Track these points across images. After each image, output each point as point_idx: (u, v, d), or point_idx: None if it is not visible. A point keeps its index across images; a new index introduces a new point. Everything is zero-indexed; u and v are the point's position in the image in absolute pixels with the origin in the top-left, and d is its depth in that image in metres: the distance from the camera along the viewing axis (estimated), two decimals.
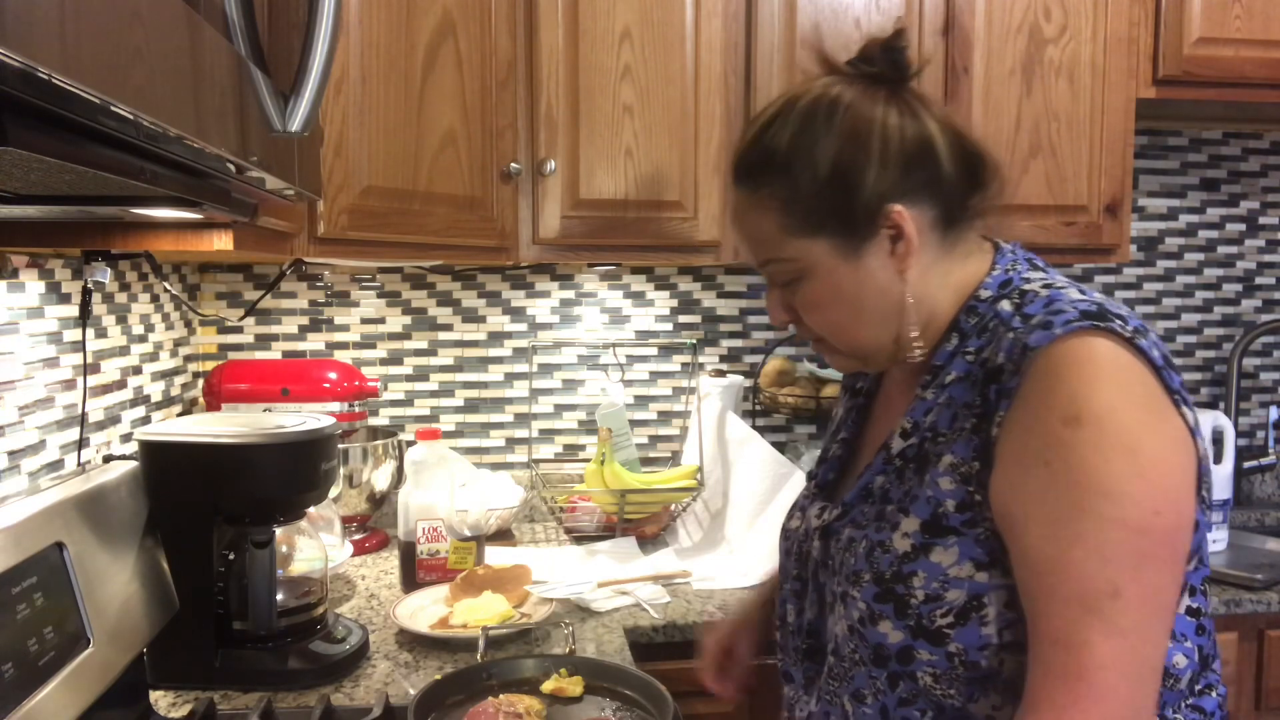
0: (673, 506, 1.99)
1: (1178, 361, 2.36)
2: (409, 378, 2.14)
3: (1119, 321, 0.79)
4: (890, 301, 0.90)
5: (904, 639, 0.84)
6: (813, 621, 0.97)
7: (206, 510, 1.24)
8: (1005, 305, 0.87)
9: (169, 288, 1.84)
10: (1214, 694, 0.86)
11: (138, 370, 1.71)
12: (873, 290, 0.90)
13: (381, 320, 2.12)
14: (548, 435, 2.19)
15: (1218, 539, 1.90)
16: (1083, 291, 0.85)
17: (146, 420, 1.74)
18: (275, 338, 2.09)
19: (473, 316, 2.16)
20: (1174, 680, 0.82)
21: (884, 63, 0.91)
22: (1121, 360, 0.78)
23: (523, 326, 2.17)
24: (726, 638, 1.21)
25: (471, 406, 2.17)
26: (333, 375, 1.86)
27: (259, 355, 2.08)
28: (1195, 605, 0.84)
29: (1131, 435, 0.75)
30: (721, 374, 2.16)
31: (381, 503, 1.97)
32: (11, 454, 1.29)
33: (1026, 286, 0.88)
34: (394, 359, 2.13)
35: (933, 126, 0.89)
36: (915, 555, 0.84)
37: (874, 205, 0.87)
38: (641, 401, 2.21)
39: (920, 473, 0.87)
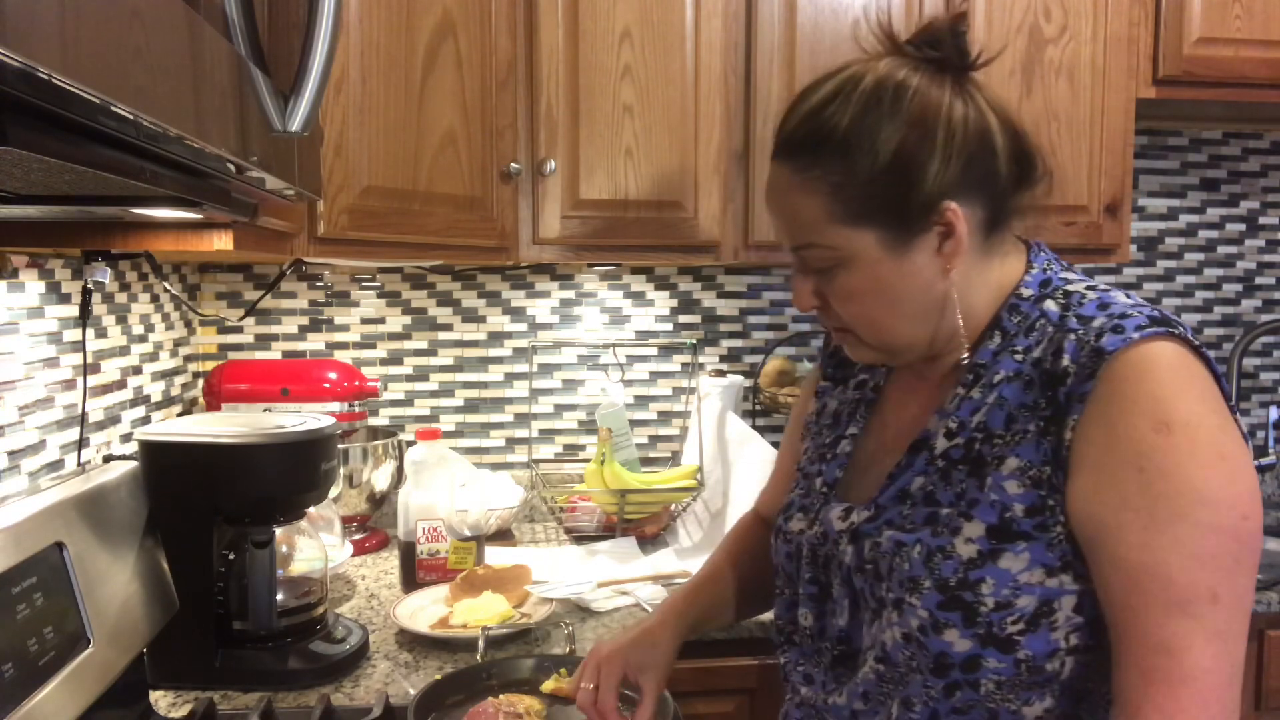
0: (673, 506, 1.99)
1: None
2: (409, 378, 2.14)
3: (1182, 328, 0.80)
4: (931, 299, 0.88)
5: (972, 648, 0.81)
6: (844, 628, 0.93)
7: (206, 510, 1.24)
8: (1051, 305, 0.86)
9: (169, 288, 1.84)
10: None
11: (138, 370, 1.71)
12: (915, 287, 0.87)
13: (381, 320, 2.12)
14: (548, 435, 2.19)
15: None
16: (1129, 295, 0.85)
17: (146, 420, 1.74)
18: (275, 338, 2.09)
19: (473, 316, 2.16)
20: None
21: (951, 47, 0.87)
22: (1196, 367, 0.79)
23: (523, 326, 2.17)
24: (627, 669, 1.05)
25: (471, 406, 2.17)
26: (333, 375, 1.86)
27: (259, 355, 2.08)
28: None
29: (1219, 442, 0.76)
30: (721, 374, 2.16)
31: (381, 503, 1.97)
32: (11, 454, 1.29)
33: (1069, 287, 0.87)
34: (394, 359, 2.13)
35: (993, 121, 0.87)
36: (983, 561, 0.81)
37: (932, 201, 0.85)
38: (641, 401, 2.21)
39: (977, 475, 0.84)
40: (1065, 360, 0.81)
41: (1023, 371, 0.84)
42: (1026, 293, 0.89)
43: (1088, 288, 0.87)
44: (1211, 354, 0.85)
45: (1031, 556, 0.80)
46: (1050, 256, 0.93)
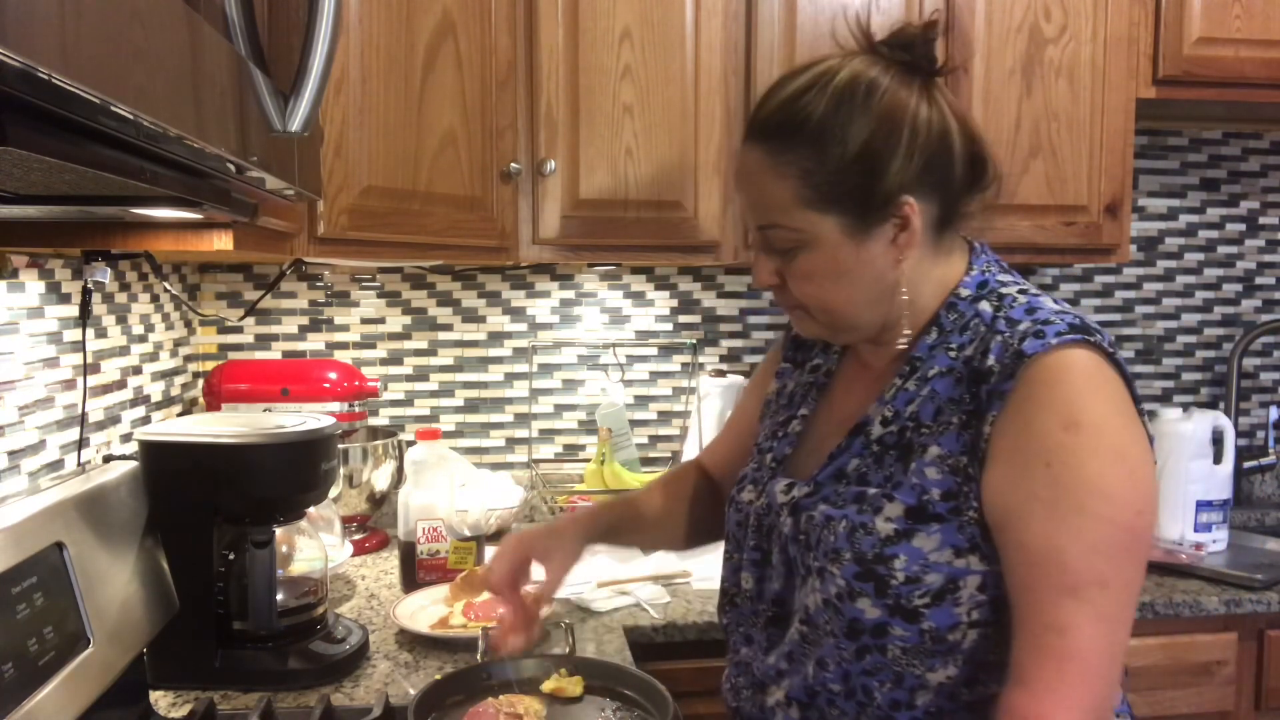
0: None
1: (1178, 361, 2.37)
2: (409, 378, 2.14)
3: (1099, 336, 0.87)
4: (883, 287, 0.95)
5: (881, 616, 0.89)
6: (779, 591, 1.01)
7: (206, 510, 1.24)
8: (985, 306, 0.93)
9: (169, 288, 1.84)
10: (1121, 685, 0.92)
11: (138, 370, 1.71)
12: (869, 274, 0.94)
13: (381, 320, 2.12)
14: (548, 435, 2.19)
15: (1218, 539, 1.90)
16: (1056, 301, 0.92)
17: (146, 420, 1.74)
18: (275, 338, 2.09)
19: (473, 316, 2.16)
20: None
21: (921, 53, 0.93)
22: (1107, 373, 0.86)
23: (523, 326, 2.17)
24: (533, 553, 1.14)
25: (471, 406, 2.17)
26: (333, 375, 1.86)
27: (259, 355, 2.08)
28: None
29: (1122, 442, 0.84)
30: (721, 374, 2.16)
31: (381, 503, 1.97)
32: (11, 454, 1.29)
33: (1004, 290, 0.94)
34: (394, 359, 2.13)
35: (954, 125, 0.93)
36: (898, 539, 0.88)
37: (892, 194, 0.91)
38: (641, 401, 2.21)
39: (903, 460, 0.91)
40: (990, 360, 0.87)
41: (954, 367, 0.91)
42: (965, 293, 0.95)
43: (1020, 291, 0.94)
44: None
45: (943, 538, 0.87)
46: (991, 259, 1.00)
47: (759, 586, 1.03)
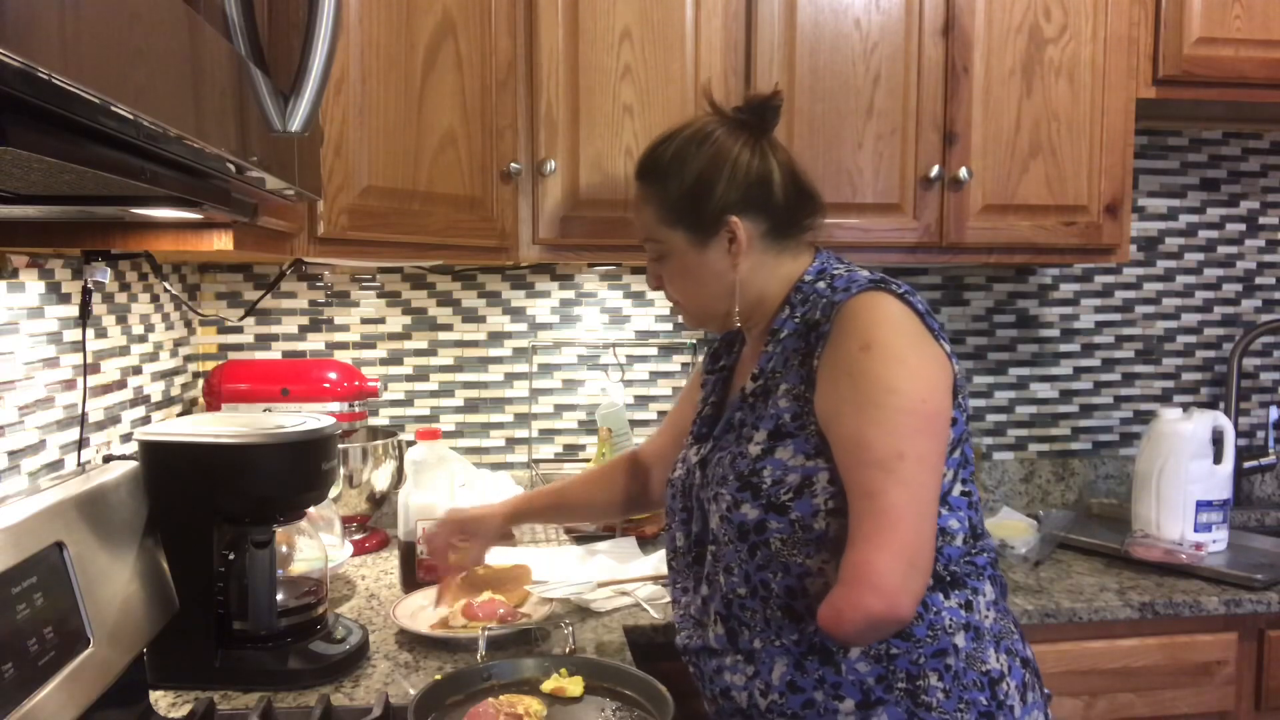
0: None
1: (1178, 361, 2.37)
2: (409, 378, 2.14)
3: (895, 284, 1.12)
4: (725, 284, 1.22)
5: (759, 515, 1.11)
6: (698, 533, 1.22)
7: (206, 510, 1.24)
8: (821, 284, 1.19)
9: (169, 288, 1.84)
10: (984, 555, 1.16)
11: (138, 370, 1.71)
12: (712, 274, 1.22)
13: (381, 320, 2.12)
14: (548, 435, 2.20)
15: (1218, 539, 1.90)
16: (872, 271, 1.17)
17: (146, 420, 1.74)
18: (275, 338, 2.09)
19: (473, 316, 2.16)
20: (951, 538, 1.12)
21: (754, 115, 1.23)
22: (895, 307, 1.10)
23: (523, 326, 2.17)
24: (464, 530, 1.48)
25: (471, 406, 2.17)
26: (333, 375, 1.86)
27: (259, 355, 2.08)
28: (967, 490, 1.15)
29: (903, 352, 1.07)
30: None
31: (381, 503, 1.97)
32: (11, 454, 1.29)
33: (835, 272, 1.20)
34: (394, 359, 2.13)
35: (774, 166, 1.21)
36: (764, 456, 1.13)
37: (718, 214, 1.19)
38: (641, 401, 2.21)
39: (765, 400, 1.16)
40: (818, 315, 1.13)
41: (798, 329, 1.17)
42: (808, 278, 1.21)
43: (847, 270, 1.19)
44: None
45: (795, 448, 1.11)
46: (830, 256, 1.25)
47: (687, 540, 1.24)
